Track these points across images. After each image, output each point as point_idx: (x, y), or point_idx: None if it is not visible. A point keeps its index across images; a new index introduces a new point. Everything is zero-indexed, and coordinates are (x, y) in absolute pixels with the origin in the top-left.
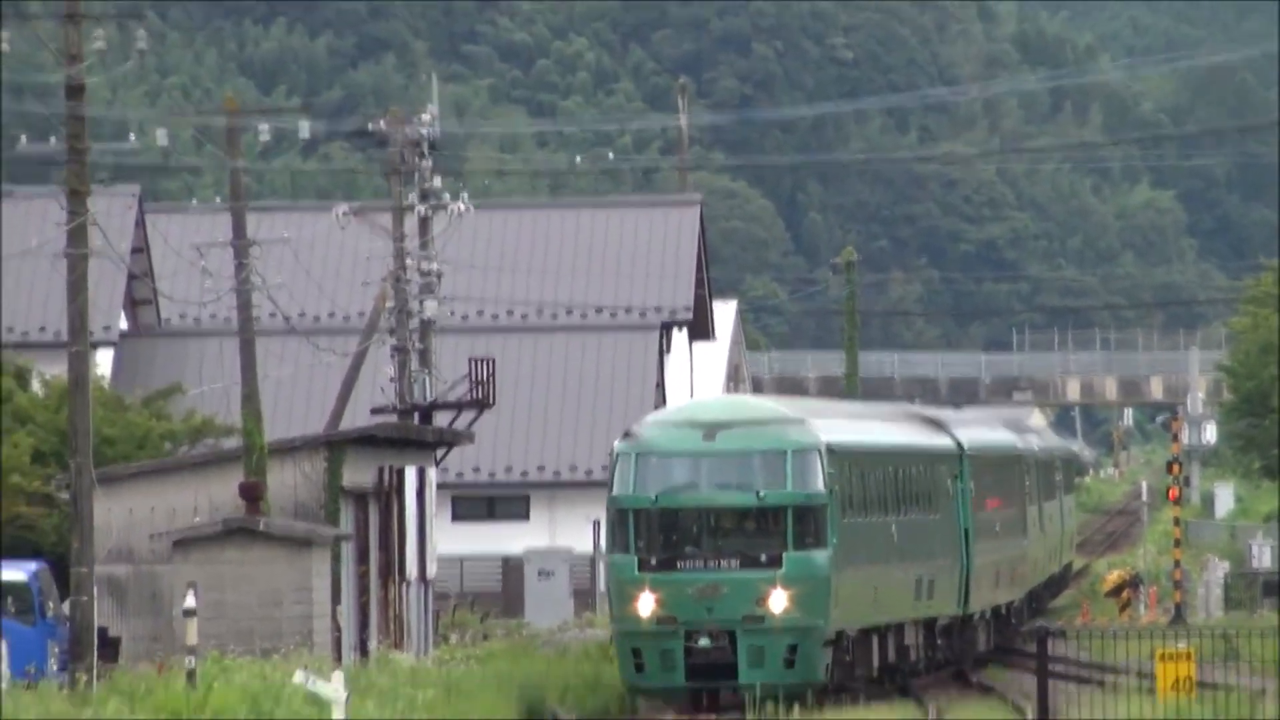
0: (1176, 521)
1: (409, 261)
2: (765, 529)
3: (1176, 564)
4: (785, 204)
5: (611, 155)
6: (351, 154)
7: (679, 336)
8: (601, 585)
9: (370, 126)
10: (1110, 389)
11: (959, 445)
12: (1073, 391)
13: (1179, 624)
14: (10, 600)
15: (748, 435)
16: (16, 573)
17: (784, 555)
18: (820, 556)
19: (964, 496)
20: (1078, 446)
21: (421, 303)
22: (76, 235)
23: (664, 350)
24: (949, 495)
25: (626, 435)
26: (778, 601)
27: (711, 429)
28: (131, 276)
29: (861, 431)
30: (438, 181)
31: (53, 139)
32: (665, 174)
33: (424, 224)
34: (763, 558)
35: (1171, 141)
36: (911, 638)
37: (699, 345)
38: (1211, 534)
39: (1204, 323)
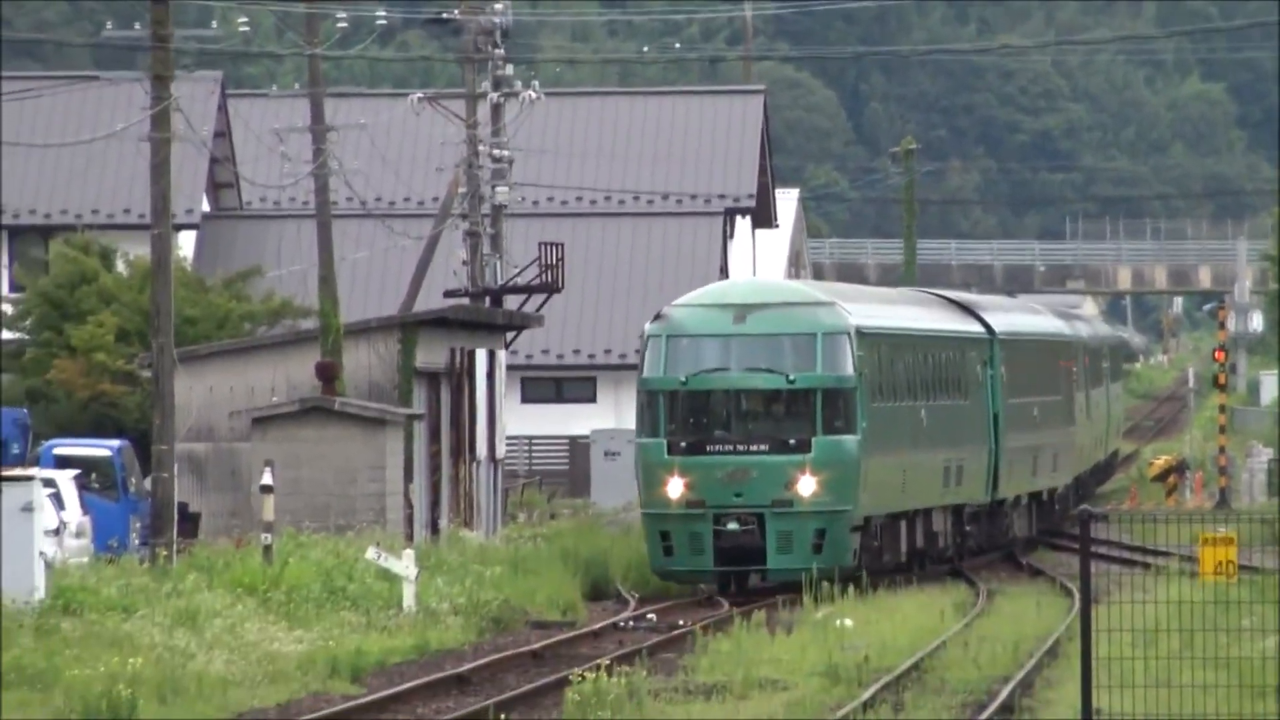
0: (1222, 408)
1: (481, 148)
2: (795, 412)
3: (1221, 450)
4: (847, 94)
5: (678, 45)
6: (427, 42)
7: (742, 223)
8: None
9: (445, 16)
10: (1160, 278)
11: (989, 330)
12: (1124, 280)
13: (1223, 509)
14: (94, 476)
15: (778, 318)
16: (101, 449)
17: (813, 439)
18: (849, 441)
19: (994, 383)
20: (1128, 333)
21: (493, 188)
22: (160, 120)
23: (727, 236)
24: (978, 381)
25: (657, 317)
26: (806, 486)
27: (742, 311)
28: (213, 160)
29: (891, 316)
30: (510, 70)
31: (137, 25)
32: (731, 64)
33: (496, 111)
34: (792, 441)
35: (1222, 34)
36: (940, 524)
37: (761, 232)
38: (1256, 421)
39: (1252, 213)
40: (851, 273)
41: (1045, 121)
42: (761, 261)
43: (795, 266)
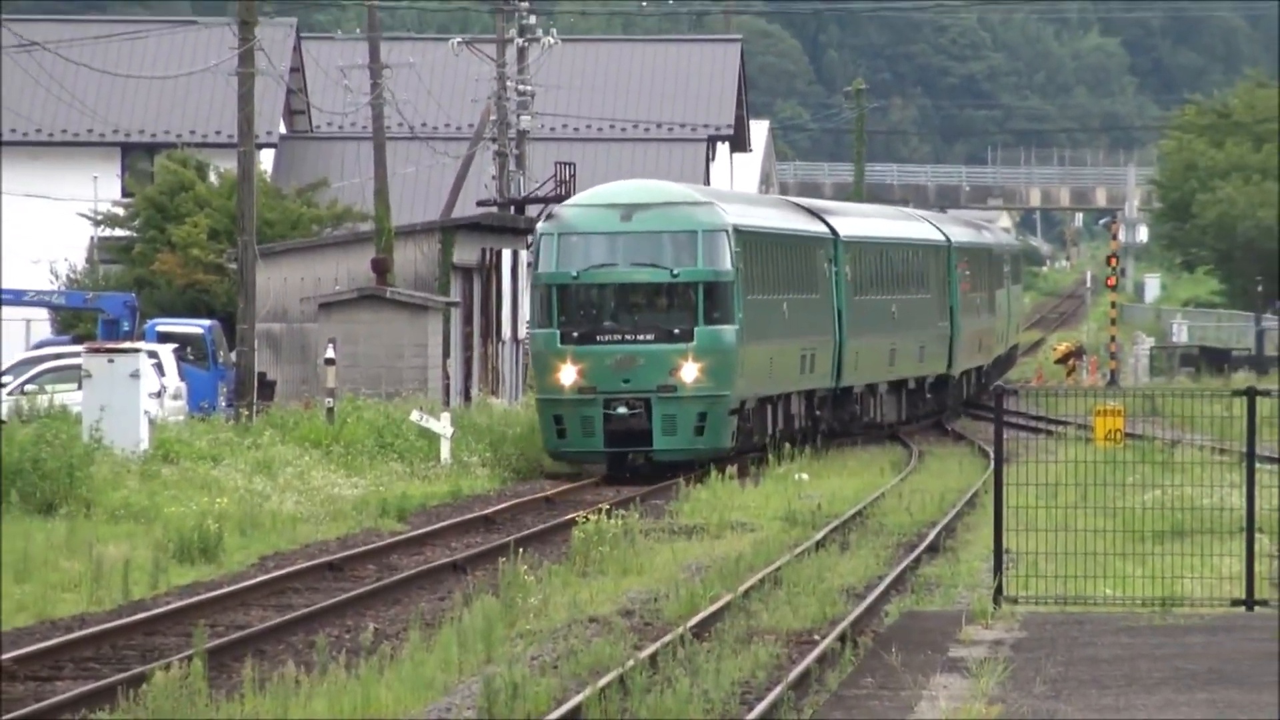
0: (1113, 305)
1: (509, 83)
2: (678, 304)
3: (1112, 339)
4: (809, 43)
5: (671, 1)
6: None
7: (722, 148)
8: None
9: None
10: (1064, 197)
11: (834, 233)
12: (1034, 199)
13: (1113, 387)
14: (189, 349)
15: (662, 216)
16: (195, 327)
17: (694, 329)
18: (728, 331)
19: (838, 280)
20: (1037, 242)
21: (518, 117)
22: (245, 58)
23: (710, 159)
24: (826, 278)
25: (549, 216)
26: (689, 372)
27: (628, 210)
28: (289, 91)
29: (761, 217)
30: (533, 19)
31: None
32: (714, 17)
33: (521, 53)
34: (675, 331)
35: None
36: (796, 407)
37: (738, 156)
38: (1141, 315)
39: (1140, 145)
40: (811, 190)
41: (971, 67)
42: (737, 180)
43: (765, 184)
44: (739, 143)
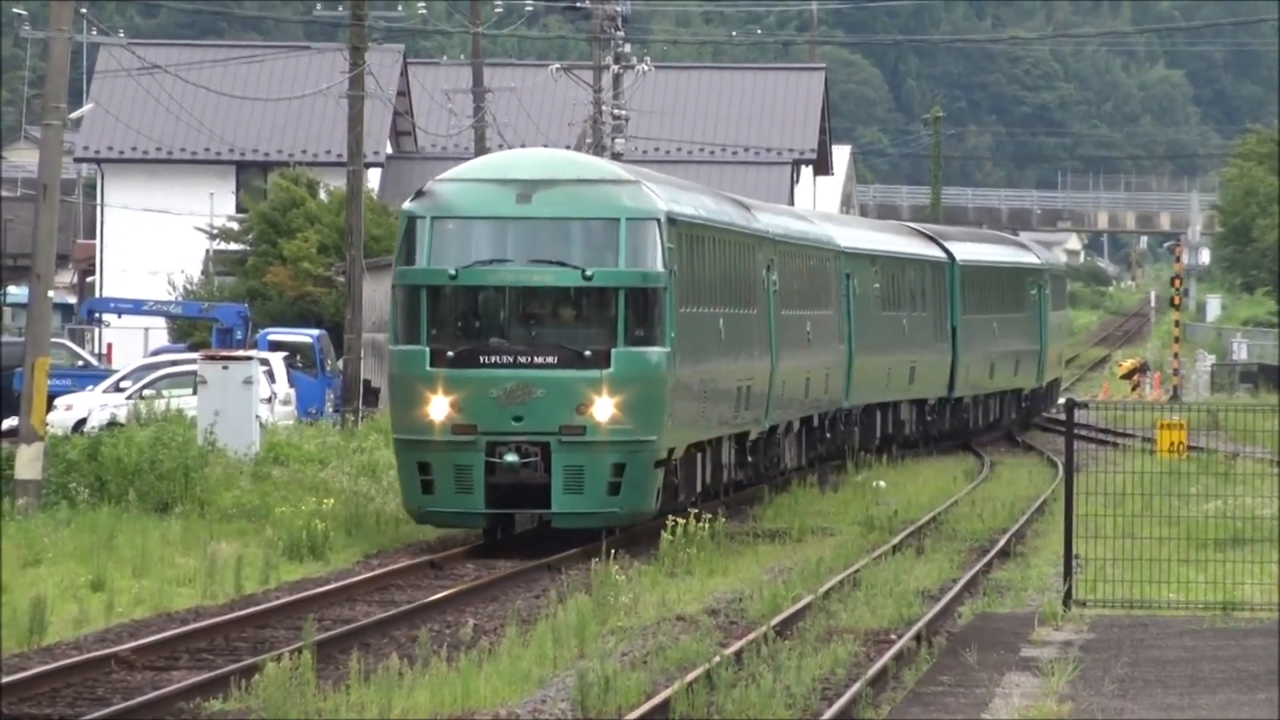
0: (1176, 323)
1: (604, 108)
2: (590, 317)
3: (1175, 355)
4: (889, 72)
5: (759, 31)
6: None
7: (805, 172)
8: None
9: (579, 4)
10: (1130, 221)
11: (766, 230)
12: (1102, 221)
13: (1175, 401)
14: (299, 357)
15: (572, 197)
16: (304, 336)
17: (612, 351)
18: (655, 354)
19: (770, 291)
20: (1104, 263)
21: (612, 139)
22: (355, 81)
23: (794, 181)
24: (763, 288)
25: (419, 194)
26: (603, 409)
27: (527, 188)
28: (396, 114)
29: (695, 204)
30: (628, 47)
31: (340, 7)
32: (799, 47)
33: (616, 80)
34: (586, 353)
35: (1183, 32)
36: (726, 455)
37: (821, 179)
38: (1202, 334)
39: (1202, 172)
40: (889, 212)
41: (1043, 97)
42: (820, 202)
43: (847, 206)
44: (822, 166)
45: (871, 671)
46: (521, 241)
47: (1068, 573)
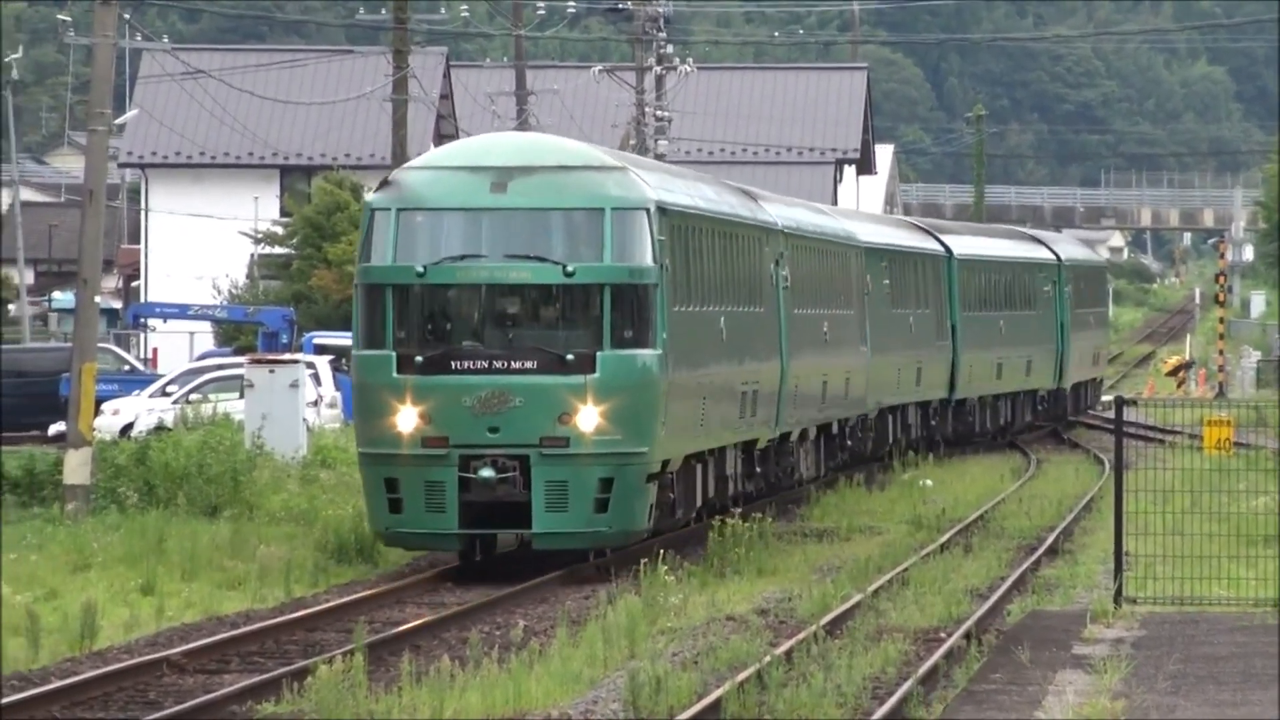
0: (1221, 320)
1: (647, 109)
2: (573, 317)
3: (1220, 352)
4: (931, 71)
5: (801, 31)
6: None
7: (848, 171)
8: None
9: (621, 6)
10: (1174, 218)
11: (776, 222)
12: (1145, 219)
13: (1221, 398)
14: (344, 360)
15: (551, 185)
16: (349, 339)
17: (598, 355)
18: (646, 358)
19: (779, 287)
20: (1147, 260)
21: (655, 140)
22: (399, 85)
23: (837, 180)
24: (773, 284)
25: (384, 184)
26: (588, 419)
27: (502, 176)
28: (439, 116)
29: (693, 194)
30: (670, 49)
31: (383, 11)
32: (840, 46)
33: (659, 81)
34: (569, 357)
35: (1224, 29)
36: (731, 466)
37: (863, 179)
38: (1247, 330)
39: (1245, 168)
40: (932, 211)
41: (1085, 94)
42: (863, 200)
43: (890, 205)
44: (864, 166)
45: (922, 670)
46: (496, 235)
47: (1118, 569)
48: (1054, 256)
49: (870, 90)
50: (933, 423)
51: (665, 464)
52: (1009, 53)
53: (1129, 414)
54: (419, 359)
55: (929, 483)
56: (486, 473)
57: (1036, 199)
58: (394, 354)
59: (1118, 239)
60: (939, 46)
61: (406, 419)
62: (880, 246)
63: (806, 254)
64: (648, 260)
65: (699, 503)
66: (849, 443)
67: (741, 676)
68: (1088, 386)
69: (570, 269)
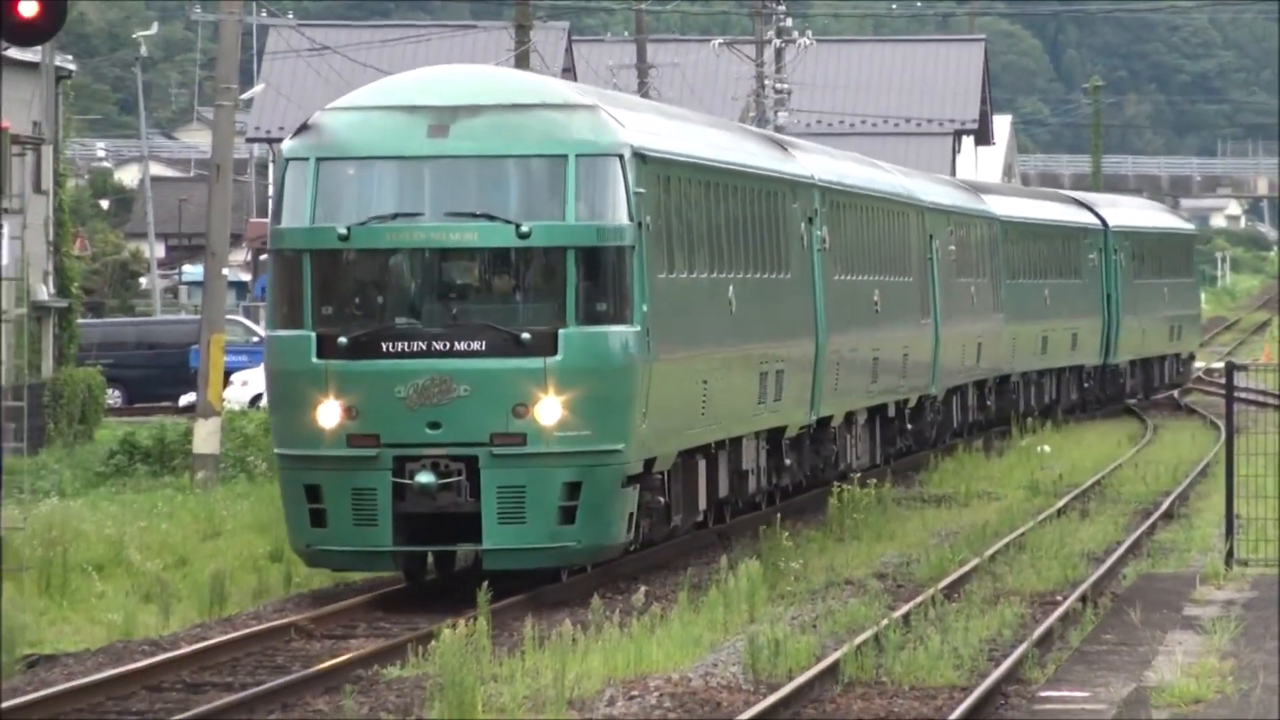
0: None
1: (766, 82)
2: (531, 288)
3: None
4: (1049, 43)
5: (919, 3)
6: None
7: (967, 141)
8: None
9: None
10: None
11: (811, 176)
12: (1261, 187)
13: None
14: None
15: (503, 127)
16: None
17: (560, 333)
18: (621, 335)
19: (813, 250)
20: (1265, 228)
21: (775, 113)
22: (521, 59)
23: (955, 151)
24: (804, 246)
25: (302, 129)
26: (549, 411)
27: (443, 117)
28: None
29: (687, 136)
30: (789, 21)
31: None
32: (959, 18)
33: (779, 54)
34: (525, 336)
35: None
36: (751, 458)
37: (982, 149)
38: None
39: None
40: (1050, 181)
41: (1202, 64)
42: (982, 171)
43: (1008, 176)
44: (983, 136)
45: (1038, 632)
46: (436, 188)
47: (1229, 532)
48: (1099, 222)
49: (988, 61)
50: (988, 403)
51: (651, 463)
52: (1126, 24)
53: (1241, 380)
54: (343, 340)
55: (1047, 449)
56: (425, 478)
57: (1154, 168)
58: (313, 335)
59: (1235, 207)
60: (1056, 18)
61: (329, 413)
62: (947, 208)
63: (852, 213)
64: (621, 218)
65: (703, 505)
66: (909, 426)
67: (859, 639)
68: (1165, 363)
69: (525, 229)
